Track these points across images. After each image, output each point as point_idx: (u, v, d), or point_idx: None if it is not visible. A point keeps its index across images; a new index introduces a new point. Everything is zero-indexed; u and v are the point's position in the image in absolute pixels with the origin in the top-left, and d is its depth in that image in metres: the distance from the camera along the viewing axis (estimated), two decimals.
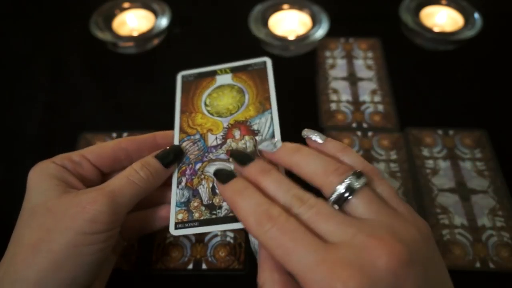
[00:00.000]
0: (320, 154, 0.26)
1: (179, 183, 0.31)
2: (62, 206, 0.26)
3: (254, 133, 0.32)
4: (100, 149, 0.31)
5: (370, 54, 0.52)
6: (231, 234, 0.37)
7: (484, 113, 0.46)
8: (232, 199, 0.25)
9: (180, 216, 0.30)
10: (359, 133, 0.45)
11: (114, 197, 0.27)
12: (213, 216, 0.29)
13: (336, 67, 0.51)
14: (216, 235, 0.37)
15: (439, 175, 0.41)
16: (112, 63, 0.53)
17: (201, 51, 0.53)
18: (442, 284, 0.24)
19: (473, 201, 0.39)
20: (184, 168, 0.32)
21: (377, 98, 0.48)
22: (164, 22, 0.53)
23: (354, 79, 0.50)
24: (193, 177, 0.31)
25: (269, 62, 0.35)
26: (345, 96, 0.48)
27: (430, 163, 0.42)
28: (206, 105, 0.35)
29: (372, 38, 0.54)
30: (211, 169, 0.31)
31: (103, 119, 0.47)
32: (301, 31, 0.53)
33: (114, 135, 0.45)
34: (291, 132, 0.46)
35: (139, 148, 0.32)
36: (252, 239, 0.31)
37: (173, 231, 0.29)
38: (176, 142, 0.33)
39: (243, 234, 0.37)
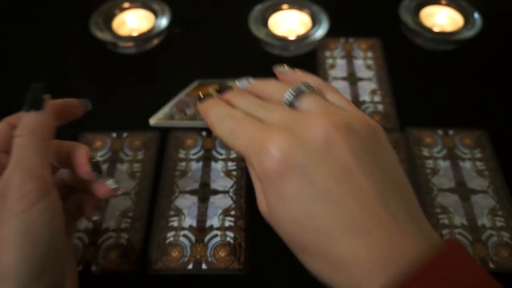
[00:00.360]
0: (280, 82, 0.31)
1: (171, 107, 0.41)
2: None
3: None
4: None
5: (370, 54, 0.52)
6: (231, 234, 0.37)
7: (484, 113, 0.46)
8: (204, 111, 0.30)
9: (161, 116, 0.39)
10: None
11: (21, 167, 0.26)
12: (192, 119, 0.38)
13: (336, 67, 0.51)
14: (216, 235, 0.37)
15: (439, 175, 0.41)
16: (112, 63, 0.53)
17: (201, 51, 0.53)
18: (391, 168, 0.25)
19: (473, 201, 0.39)
20: (179, 103, 0.42)
21: (377, 98, 0.48)
22: (164, 22, 0.53)
23: (354, 79, 0.50)
24: (186, 108, 0.41)
25: None
26: (345, 95, 0.48)
27: (430, 163, 0.42)
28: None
29: (372, 38, 0.54)
30: None
31: (103, 119, 0.47)
32: (301, 31, 0.53)
33: (114, 135, 0.45)
34: None
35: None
36: None
37: (151, 122, 0.39)
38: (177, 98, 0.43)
39: (243, 234, 0.37)
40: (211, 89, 0.34)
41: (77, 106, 0.32)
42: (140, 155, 0.43)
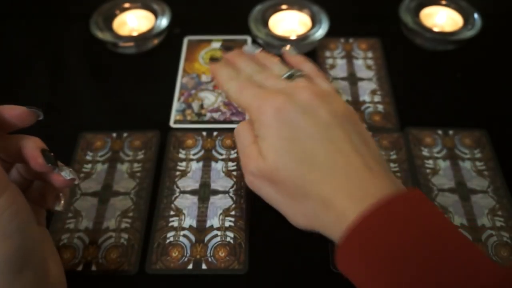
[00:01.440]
0: (282, 62, 0.37)
1: (178, 99, 0.47)
2: None
3: None
4: None
5: (370, 54, 0.52)
6: (231, 234, 0.37)
7: (484, 113, 0.46)
8: (214, 71, 0.36)
9: (177, 117, 0.46)
10: None
11: None
12: (199, 119, 0.46)
13: (336, 67, 0.51)
14: (216, 236, 0.37)
15: (439, 175, 0.41)
16: (112, 63, 0.53)
17: None
18: (362, 132, 0.31)
19: (473, 201, 0.39)
20: (183, 91, 0.48)
21: (377, 98, 0.48)
22: (164, 22, 0.53)
23: (354, 79, 0.50)
24: (189, 97, 0.48)
25: (249, 39, 0.54)
26: (345, 96, 0.48)
27: (430, 163, 0.42)
28: (202, 58, 0.52)
29: (372, 38, 0.54)
30: (202, 94, 0.48)
31: (103, 119, 0.47)
32: (301, 31, 0.53)
33: (114, 135, 0.45)
34: None
35: None
36: None
37: (172, 125, 0.45)
38: (179, 80, 0.50)
39: (243, 234, 0.37)
40: (218, 50, 0.46)
41: (24, 114, 0.29)
42: (140, 155, 0.43)
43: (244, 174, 0.33)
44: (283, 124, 0.30)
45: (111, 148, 0.44)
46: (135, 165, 0.42)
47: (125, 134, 0.45)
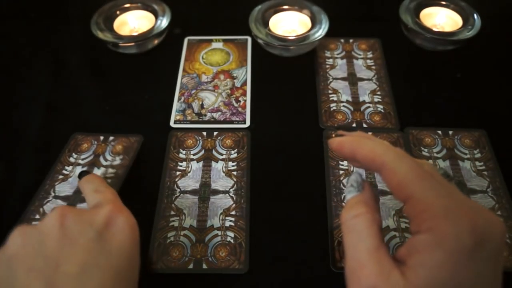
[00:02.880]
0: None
1: (179, 99, 0.48)
2: None
3: (233, 77, 0.50)
4: None
5: (370, 54, 0.52)
6: (232, 234, 0.38)
7: (484, 113, 0.47)
8: (353, 141, 0.26)
9: (178, 117, 0.46)
10: None
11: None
12: (199, 119, 0.46)
13: (336, 67, 0.51)
14: (216, 235, 0.37)
15: None
16: (113, 63, 0.53)
17: None
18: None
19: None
20: (183, 91, 0.49)
21: (377, 98, 0.48)
22: (164, 22, 0.53)
23: (354, 79, 0.50)
24: (189, 97, 0.48)
25: (249, 39, 0.54)
26: (345, 96, 0.48)
27: (430, 163, 0.42)
28: (203, 58, 0.52)
29: (372, 38, 0.54)
30: (202, 94, 0.48)
31: (103, 119, 0.47)
32: (301, 31, 0.53)
33: (112, 137, 0.45)
34: (292, 131, 0.47)
35: None
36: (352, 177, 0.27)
37: (172, 125, 0.45)
38: (179, 79, 0.50)
39: (243, 234, 0.38)
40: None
41: None
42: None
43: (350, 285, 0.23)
44: (479, 258, 0.22)
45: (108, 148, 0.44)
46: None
47: (111, 138, 0.45)
